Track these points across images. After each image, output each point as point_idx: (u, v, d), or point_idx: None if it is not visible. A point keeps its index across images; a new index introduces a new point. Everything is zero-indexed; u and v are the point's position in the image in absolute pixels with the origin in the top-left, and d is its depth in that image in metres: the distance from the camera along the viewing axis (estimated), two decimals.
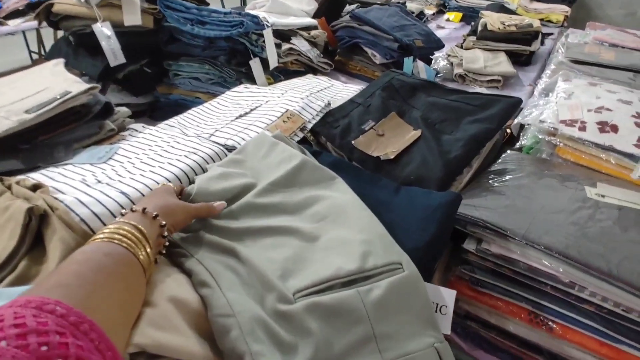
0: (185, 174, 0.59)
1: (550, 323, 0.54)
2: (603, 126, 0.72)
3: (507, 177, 0.68)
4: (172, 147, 0.65)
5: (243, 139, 0.70)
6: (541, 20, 2.01)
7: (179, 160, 0.61)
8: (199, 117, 0.82)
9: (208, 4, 1.18)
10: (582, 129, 0.72)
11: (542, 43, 1.67)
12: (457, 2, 2.12)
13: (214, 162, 0.63)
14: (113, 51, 1.01)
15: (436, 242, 0.50)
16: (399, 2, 1.80)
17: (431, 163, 0.66)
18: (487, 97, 0.80)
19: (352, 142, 0.72)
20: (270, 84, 1.12)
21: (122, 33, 1.02)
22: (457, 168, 0.67)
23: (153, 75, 1.15)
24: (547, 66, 1.47)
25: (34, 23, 2.17)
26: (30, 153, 0.61)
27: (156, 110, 1.17)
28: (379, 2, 1.65)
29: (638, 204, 0.61)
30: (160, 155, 0.62)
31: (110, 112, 0.72)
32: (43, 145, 0.63)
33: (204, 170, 0.61)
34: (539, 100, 0.87)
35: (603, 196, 0.63)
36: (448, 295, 0.45)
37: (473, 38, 1.56)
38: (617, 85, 0.86)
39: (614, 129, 0.71)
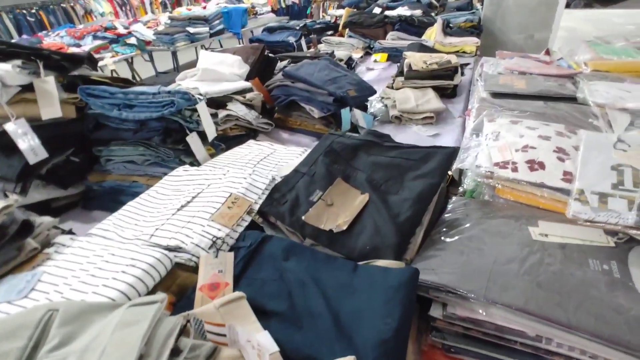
0: (126, 295, 0.53)
1: None
2: (532, 164, 0.77)
3: (457, 229, 0.70)
4: (107, 261, 0.59)
5: (187, 235, 0.66)
6: (456, 52, 2.21)
7: (115, 279, 0.55)
8: (136, 214, 0.76)
9: (134, 83, 1.15)
10: (515, 169, 0.77)
11: (462, 74, 1.81)
12: (380, 44, 2.27)
13: (158, 271, 0.58)
14: (32, 148, 0.94)
15: (403, 325, 0.49)
16: (326, 53, 1.88)
17: (384, 230, 0.66)
18: (424, 150, 0.83)
19: (303, 217, 0.70)
20: (211, 154, 1.09)
21: (41, 127, 0.95)
22: (409, 231, 0.67)
23: (81, 164, 1.08)
24: (471, 97, 1.59)
25: None
26: None
27: (89, 200, 1.09)
28: (308, 56, 1.71)
29: (578, 238, 0.64)
30: (93, 276, 0.56)
31: (29, 230, 0.64)
32: None
33: (147, 285, 0.55)
34: (471, 142, 0.92)
35: (546, 235, 0.66)
36: None
37: (401, 78, 1.66)
38: (534, 120, 0.94)
39: (541, 165, 0.77)
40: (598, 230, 0.65)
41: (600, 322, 0.49)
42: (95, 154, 1.06)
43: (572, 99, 1.20)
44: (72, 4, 5.78)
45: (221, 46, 4.26)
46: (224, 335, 0.46)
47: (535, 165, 0.77)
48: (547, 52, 1.85)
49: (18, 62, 0.93)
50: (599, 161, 0.73)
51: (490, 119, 0.97)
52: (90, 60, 1.12)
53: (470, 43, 2.20)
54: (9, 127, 0.90)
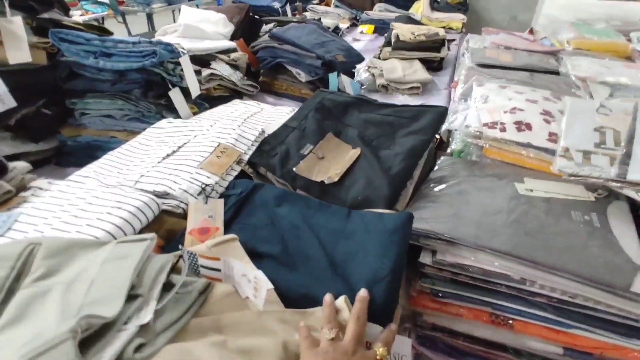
0: (112, 235, 0.50)
1: (510, 321, 0.56)
2: (519, 125, 0.79)
3: (446, 184, 0.71)
4: (90, 203, 0.56)
5: (174, 182, 0.63)
6: (443, 27, 2.21)
7: (100, 219, 0.52)
8: (118, 162, 0.73)
9: (112, 34, 1.07)
10: (503, 129, 0.78)
11: (448, 49, 1.82)
12: (367, 15, 2.23)
13: (145, 214, 0.55)
14: None
15: (399, 266, 0.49)
16: (314, 19, 1.83)
17: (375, 182, 0.66)
18: (416, 108, 0.83)
19: (294, 169, 0.69)
20: (195, 113, 1.05)
21: (9, 72, 0.88)
22: (401, 183, 0.67)
23: (54, 117, 1.01)
24: (457, 70, 1.60)
25: None
26: None
27: (63, 156, 1.03)
28: (294, 20, 1.66)
29: (561, 193, 0.67)
30: (76, 217, 0.53)
31: (3, 171, 0.60)
32: None
33: (134, 228, 0.53)
34: (459, 106, 0.93)
35: (532, 190, 0.68)
36: (405, 345, 0.44)
37: (389, 49, 1.64)
38: (522, 85, 0.95)
39: (529, 127, 0.78)
40: (579, 186, 0.68)
41: (582, 264, 0.52)
42: (69, 107, 1.00)
43: (555, 73, 1.22)
44: None
45: None
46: (219, 270, 0.45)
47: (522, 126, 0.79)
48: (531, 32, 1.88)
49: None
50: (582, 123, 0.76)
51: (479, 83, 0.98)
52: (60, 3, 1.04)
53: (456, 19, 2.20)
54: None
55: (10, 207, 0.57)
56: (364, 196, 0.64)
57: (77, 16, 2.62)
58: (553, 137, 0.76)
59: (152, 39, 1.00)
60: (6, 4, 0.87)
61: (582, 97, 1.00)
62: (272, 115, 0.95)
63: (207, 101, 1.16)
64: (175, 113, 1.00)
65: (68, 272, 0.41)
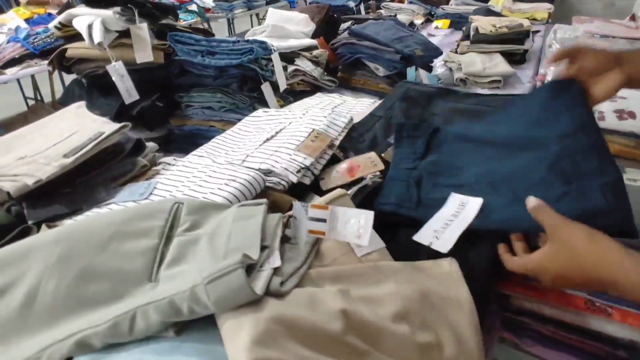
0: (230, 202, 0.59)
1: (608, 309, 0.54)
2: (620, 114, 0.75)
3: None
4: (210, 176, 0.66)
5: (276, 161, 0.71)
6: (527, 18, 2.09)
7: (220, 189, 0.61)
8: (225, 145, 0.83)
9: (214, 35, 1.21)
10: (601, 118, 0.75)
11: (532, 41, 1.72)
12: (443, 9, 2.19)
13: (254, 187, 0.64)
14: (127, 89, 1.03)
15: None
16: (390, 16, 1.85)
17: None
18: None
19: (382, 155, 0.73)
20: (281, 105, 1.15)
21: (134, 70, 1.04)
22: None
23: (165, 109, 1.17)
24: (541, 64, 1.52)
25: (31, 70, 2.20)
26: (72, 196, 0.62)
27: (170, 143, 1.19)
28: (372, 18, 1.70)
29: None
30: (201, 186, 0.63)
31: (141, 149, 0.73)
32: (83, 187, 0.64)
33: (246, 197, 0.62)
34: None
35: (635, 181, 0.65)
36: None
37: (467, 42, 1.61)
38: None
39: (632, 115, 0.74)
40: None
41: None
42: (177, 100, 1.15)
43: None
44: None
45: None
46: (324, 222, 0.49)
47: (624, 114, 0.74)
48: (633, 18, 1.70)
49: (117, 9, 1.02)
50: None
51: None
52: (173, 12, 1.20)
53: (542, 9, 2.07)
54: (111, 68, 0.99)
55: (148, 177, 0.69)
56: None
57: None
58: None
59: (249, 38, 1.11)
60: (136, 13, 1.03)
61: None
62: (355, 106, 1.00)
63: (290, 95, 1.25)
64: (265, 105, 1.10)
65: (208, 226, 0.49)
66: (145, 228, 0.48)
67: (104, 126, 0.70)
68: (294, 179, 0.68)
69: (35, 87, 2.78)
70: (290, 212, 0.55)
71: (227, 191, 0.61)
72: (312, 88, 1.37)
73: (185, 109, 1.15)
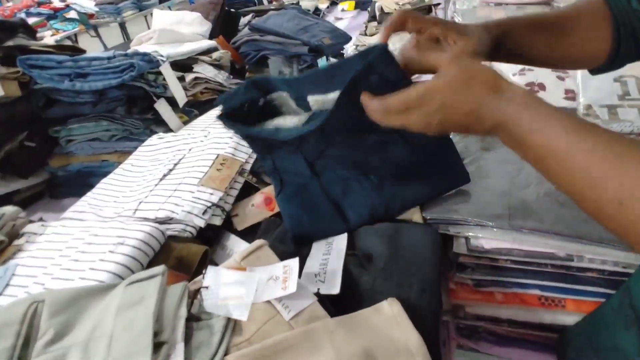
0: (119, 276, 0.46)
1: (561, 302, 0.52)
2: (531, 87, 0.74)
3: (465, 162, 0.66)
4: (90, 243, 0.51)
5: (176, 204, 0.59)
6: None
7: (103, 260, 0.48)
8: (113, 190, 0.68)
9: (84, 52, 1.01)
10: None
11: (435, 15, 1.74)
12: None
13: (150, 246, 0.51)
14: None
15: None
16: (292, 4, 1.75)
17: None
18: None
19: None
20: (185, 122, 1.00)
21: None
22: None
23: (39, 149, 0.96)
24: None
25: None
26: None
27: (56, 187, 0.99)
28: (273, 8, 1.59)
29: None
30: (77, 261, 0.49)
31: None
32: None
33: (142, 263, 0.49)
34: None
35: None
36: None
37: (374, 23, 1.57)
38: None
39: (542, 87, 0.73)
40: None
41: None
42: (53, 136, 0.95)
43: None
44: None
45: None
46: (243, 285, 0.41)
47: (535, 87, 0.73)
48: None
49: None
50: (600, 75, 0.70)
51: None
52: (25, 27, 0.97)
53: None
54: None
55: (5, 258, 0.53)
56: None
57: (48, 37, 2.53)
58: (570, 94, 0.71)
59: (128, 51, 0.94)
60: None
61: None
62: None
63: (195, 107, 1.10)
64: (165, 126, 0.95)
65: (81, 330, 0.37)
66: None
67: None
68: (201, 223, 0.56)
69: None
70: (201, 275, 0.44)
71: (114, 262, 0.48)
72: (219, 94, 1.23)
73: (65, 145, 0.95)
